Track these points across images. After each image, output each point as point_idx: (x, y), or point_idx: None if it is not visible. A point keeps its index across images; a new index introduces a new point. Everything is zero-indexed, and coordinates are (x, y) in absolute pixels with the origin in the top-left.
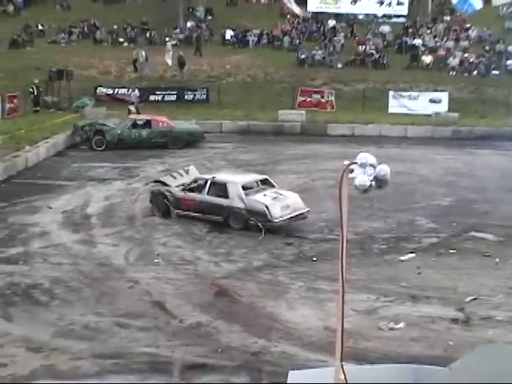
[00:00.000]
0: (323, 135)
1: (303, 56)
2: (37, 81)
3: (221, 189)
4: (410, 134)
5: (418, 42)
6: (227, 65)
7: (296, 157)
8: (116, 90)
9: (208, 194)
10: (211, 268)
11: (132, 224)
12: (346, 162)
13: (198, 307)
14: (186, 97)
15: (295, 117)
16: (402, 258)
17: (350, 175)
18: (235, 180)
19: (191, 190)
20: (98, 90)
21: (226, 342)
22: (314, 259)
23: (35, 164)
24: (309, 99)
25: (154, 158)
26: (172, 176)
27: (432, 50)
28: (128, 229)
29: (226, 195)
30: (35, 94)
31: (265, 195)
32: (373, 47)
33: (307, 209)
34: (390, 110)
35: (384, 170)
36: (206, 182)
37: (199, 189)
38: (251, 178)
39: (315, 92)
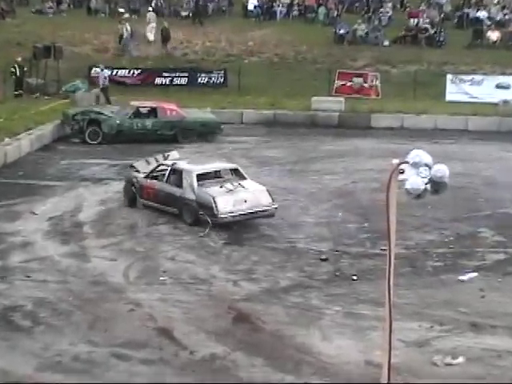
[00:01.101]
0: (366, 128)
1: (342, 31)
2: (19, 59)
3: (178, 177)
4: (471, 127)
5: (482, 14)
6: (250, 41)
7: (333, 154)
8: (115, 71)
9: (166, 182)
10: (229, 288)
11: (133, 234)
12: (396, 161)
13: (212, 335)
14: (200, 80)
15: (332, 105)
16: (462, 277)
17: (400, 177)
18: (191, 168)
19: (155, 177)
20: (92, 71)
21: (247, 378)
22: (354, 278)
23: (16, 160)
24: (349, 84)
25: (160, 154)
26: (147, 161)
27: (499, 25)
28: (128, 240)
29: (180, 184)
30: (17, 75)
31: (221, 187)
32: (427, 21)
33: (274, 205)
34: (448, 98)
35: (441, 170)
36: (167, 169)
37: (161, 176)
38: (216, 166)
39: (356, 75)
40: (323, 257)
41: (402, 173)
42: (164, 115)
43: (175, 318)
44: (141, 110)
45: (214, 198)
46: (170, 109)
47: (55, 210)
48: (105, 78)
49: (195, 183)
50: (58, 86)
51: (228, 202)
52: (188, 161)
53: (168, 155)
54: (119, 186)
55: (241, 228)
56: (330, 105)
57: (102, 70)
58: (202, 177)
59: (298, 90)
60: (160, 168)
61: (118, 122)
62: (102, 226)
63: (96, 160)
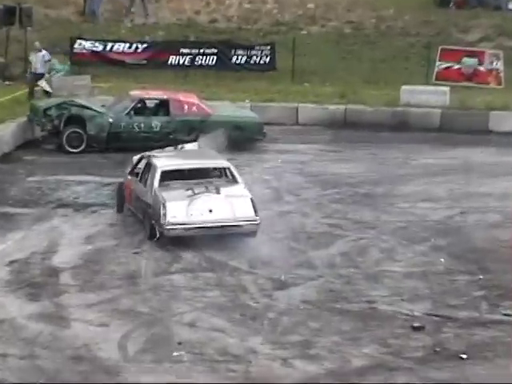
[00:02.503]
0: (482, 132)
1: None
2: None
3: (148, 174)
4: None
5: None
6: (309, 3)
7: (432, 170)
8: (109, 45)
9: (140, 180)
10: (276, 369)
11: (134, 286)
12: None
13: None
14: (235, 59)
15: (431, 98)
16: None
17: None
18: (160, 163)
19: (138, 174)
20: (76, 45)
21: None
22: (463, 357)
23: None
24: (457, 66)
25: (172, 147)
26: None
27: None
28: (127, 295)
29: (146, 184)
30: None
31: (189, 189)
32: None
33: (255, 221)
34: None
35: None
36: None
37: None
38: (196, 163)
39: (468, 54)
40: (417, 324)
41: None
42: (179, 111)
43: None
44: (145, 103)
45: (164, 203)
46: (189, 102)
47: (19, 251)
48: (48, 60)
49: (156, 182)
50: (24, 66)
51: (182, 209)
52: (170, 154)
53: (182, 147)
54: (115, 215)
55: (294, 279)
56: (428, 97)
57: (41, 51)
58: (171, 175)
59: (381, 76)
60: (142, 162)
61: (110, 120)
62: (87, 275)
63: (79, 176)
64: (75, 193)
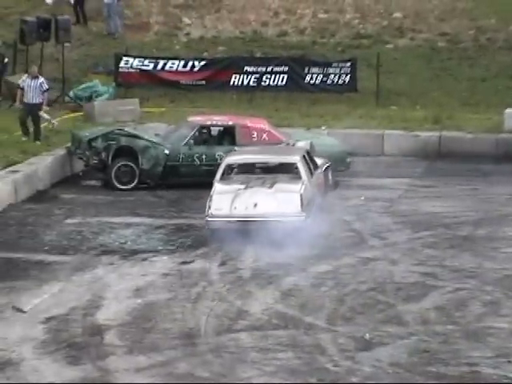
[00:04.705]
0: None
1: None
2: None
3: None
4: None
5: None
6: (395, 12)
7: None
8: (161, 64)
9: None
10: None
11: (192, 347)
12: None
13: None
14: (309, 78)
15: None
16: None
17: None
18: (228, 157)
19: None
20: (122, 63)
21: None
22: None
23: None
24: None
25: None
26: None
27: None
28: (183, 357)
29: None
30: None
31: (243, 183)
32: None
33: (299, 216)
34: None
35: None
36: None
37: None
38: (264, 158)
39: None
40: None
41: None
42: (248, 140)
43: None
44: (207, 130)
45: (211, 196)
46: (259, 129)
47: (57, 305)
48: (47, 89)
49: (218, 175)
50: (62, 88)
51: (227, 202)
52: (252, 149)
53: (294, 144)
54: (169, 263)
55: (381, 338)
56: None
57: (38, 77)
58: (240, 169)
59: (482, 97)
60: None
61: (166, 151)
62: (137, 334)
63: (126, 218)
64: (122, 237)
